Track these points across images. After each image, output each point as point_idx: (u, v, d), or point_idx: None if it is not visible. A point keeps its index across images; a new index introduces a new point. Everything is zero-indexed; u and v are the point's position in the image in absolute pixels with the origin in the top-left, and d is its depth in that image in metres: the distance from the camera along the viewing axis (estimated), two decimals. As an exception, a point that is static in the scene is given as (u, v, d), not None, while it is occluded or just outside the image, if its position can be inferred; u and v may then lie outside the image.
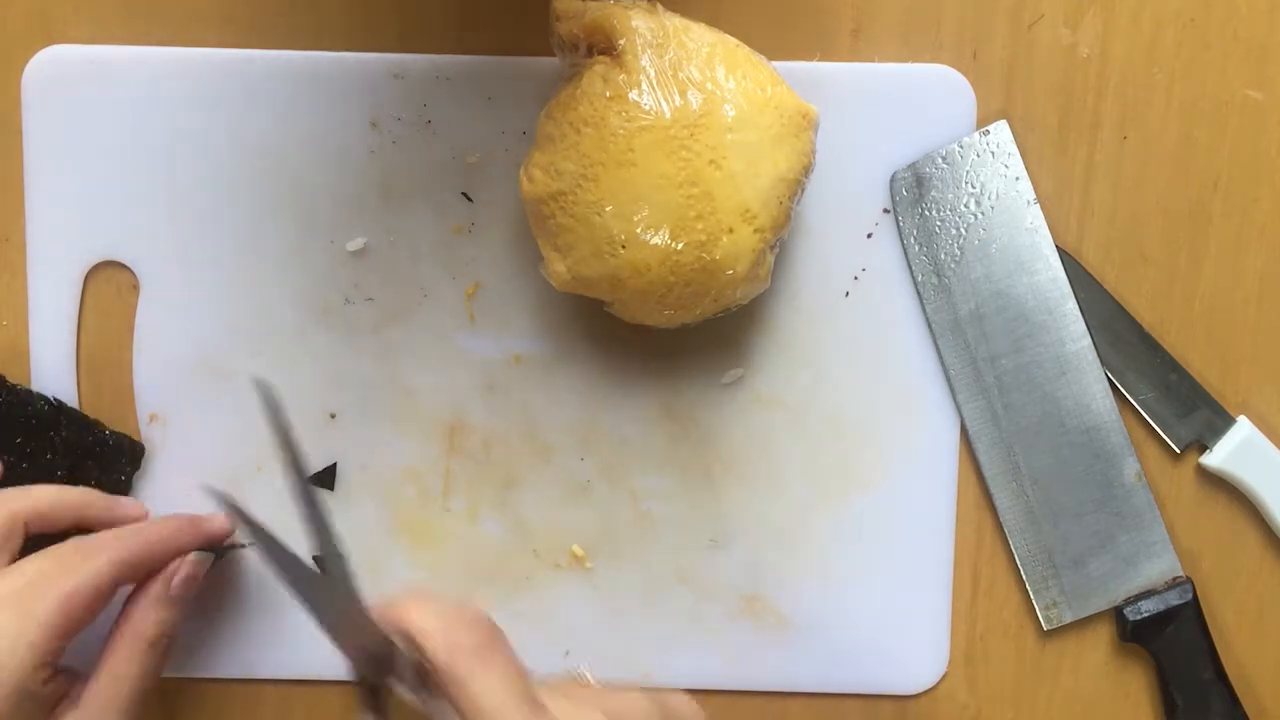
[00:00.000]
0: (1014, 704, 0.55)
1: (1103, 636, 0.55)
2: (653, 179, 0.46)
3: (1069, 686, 0.55)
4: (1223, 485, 0.55)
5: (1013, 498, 0.54)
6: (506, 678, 0.39)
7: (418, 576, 0.54)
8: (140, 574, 0.48)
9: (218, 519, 0.51)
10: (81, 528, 0.49)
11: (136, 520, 0.50)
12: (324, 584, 0.44)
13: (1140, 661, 0.55)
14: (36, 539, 0.48)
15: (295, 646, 0.54)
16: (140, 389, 0.53)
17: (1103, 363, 0.54)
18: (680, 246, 0.46)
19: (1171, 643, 0.54)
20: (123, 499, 0.51)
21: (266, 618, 0.54)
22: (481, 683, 0.39)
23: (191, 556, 0.49)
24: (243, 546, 0.52)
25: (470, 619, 0.41)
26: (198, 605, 0.54)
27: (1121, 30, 0.53)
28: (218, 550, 0.50)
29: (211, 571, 0.50)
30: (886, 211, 0.53)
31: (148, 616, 0.48)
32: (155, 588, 0.48)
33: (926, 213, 0.53)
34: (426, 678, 0.41)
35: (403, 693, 0.41)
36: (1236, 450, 0.54)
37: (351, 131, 0.53)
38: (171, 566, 0.48)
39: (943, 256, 0.53)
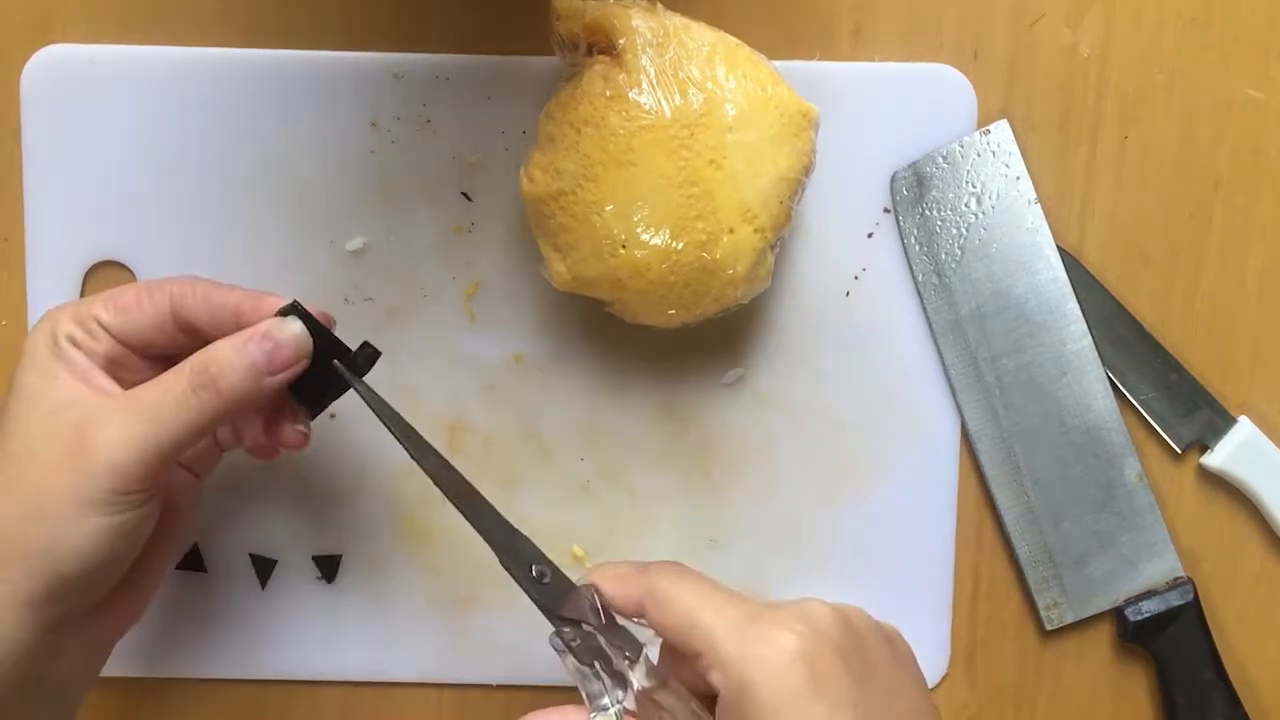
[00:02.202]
0: (1014, 704, 0.55)
1: (1103, 637, 0.55)
2: (653, 179, 0.46)
3: (1069, 686, 0.55)
4: (1223, 485, 0.55)
5: (1013, 498, 0.54)
6: (705, 584, 0.42)
7: (418, 576, 0.54)
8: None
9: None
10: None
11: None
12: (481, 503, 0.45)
13: (1141, 662, 0.55)
14: None
15: (295, 646, 0.54)
16: (140, 389, 0.53)
17: (1103, 363, 0.54)
18: (680, 246, 0.46)
19: (1172, 643, 0.54)
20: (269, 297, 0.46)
21: (266, 618, 0.54)
22: (685, 590, 0.41)
23: (286, 321, 0.44)
24: (374, 354, 0.46)
25: (658, 562, 0.44)
26: (200, 604, 0.54)
27: (1122, 30, 0.53)
28: (349, 359, 0.46)
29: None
30: (887, 211, 0.53)
31: (211, 349, 0.43)
32: (237, 335, 0.43)
33: (927, 212, 0.53)
34: (605, 614, 0.43)
35: (590, 630, 0.43)
36: (1237, 450, 0.54)
37: (351, 131, 0.53)
38: (261, 323, 0.44)
39: (943, 256, 0.53)
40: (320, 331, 0.45)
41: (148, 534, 0.44)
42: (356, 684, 0.55)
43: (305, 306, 0.45)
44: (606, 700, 0.42)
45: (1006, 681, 0.55)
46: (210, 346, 0.43)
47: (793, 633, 0.39)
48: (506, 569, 0.44)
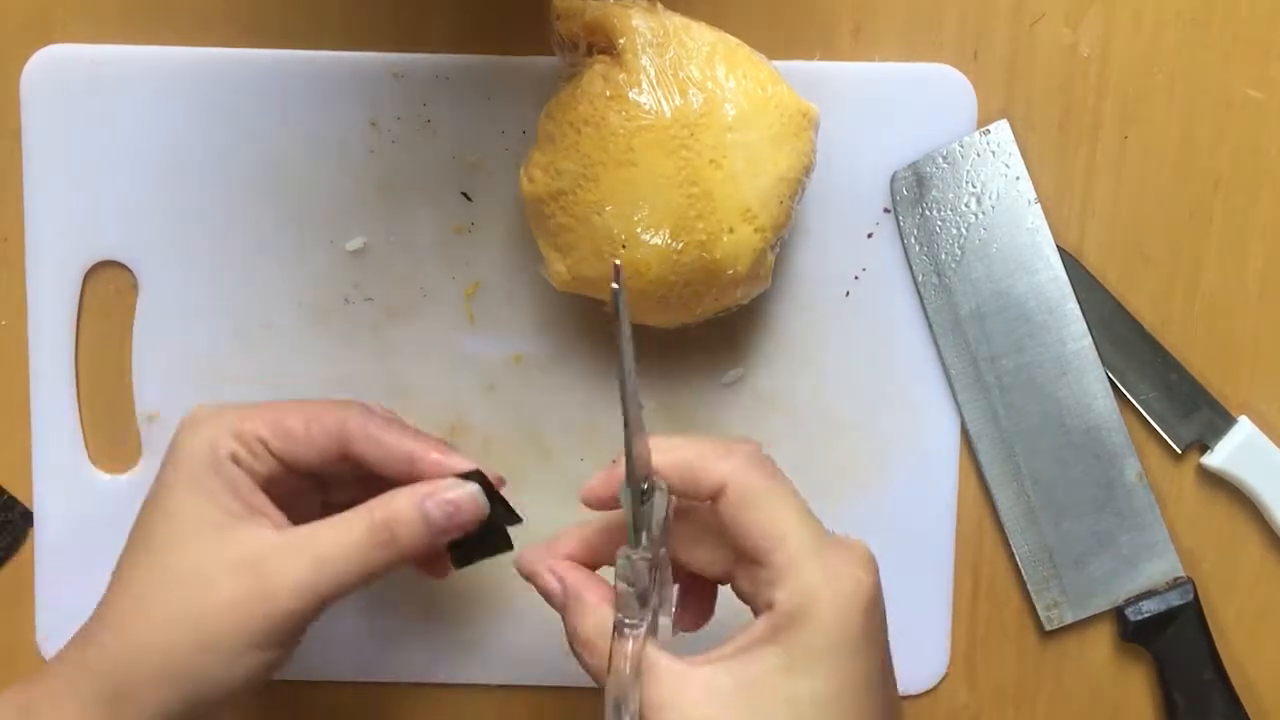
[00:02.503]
0: (1014, 704, 0.55)
1: (1103, 637, 0.55)
2: (653, 178, 0.46)
3: (1069, 686, 0.55)
4: (1224, 485, 0.55)
5: (1013, 498, 0.54)
6: (794, 494, 0.41)
7: (417, 576, 0.54)
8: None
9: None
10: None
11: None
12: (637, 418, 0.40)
13: (1141, 662, 0.55)
14: None
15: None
16: (140, 389, 0.53)
17: (1103, 363, 0.54)
18: (680, 246, 0.46)
19: (1172, 643, 0.54)
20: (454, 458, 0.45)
21: (266, 618, 0.54)
22: (777, 496, 0.40)
23: (468, 486, 0.44)
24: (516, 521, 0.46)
25: (741, 442, 0.41)
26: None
27: (1122, 30, 0.53)
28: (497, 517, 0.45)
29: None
30: (887, 211, 0.53)
31: (392, 503, 0.43)
32: (418, 490, 0.43)
33: (927, 212, 0.53)
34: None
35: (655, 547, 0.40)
36: (1237, 450, 0.54)
37: (351, 131, 0.53)
38: (442, 483, 0.43)
39: (943, 256, 0.53)
40: (492, 495, 0.45)
41: None
42: (356, 684, 0.55)
43: (481, 470, 0.45)
44: (629, 629, 0.39)
45: (1006, 681, 0.55)
46: (391, 500, 0.43)
47: (868, 573, 0.39)
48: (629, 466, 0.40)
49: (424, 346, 0.54)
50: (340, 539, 0.42)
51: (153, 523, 0.43)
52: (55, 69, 0.52)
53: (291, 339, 0.53)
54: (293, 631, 0.42)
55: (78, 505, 0.54)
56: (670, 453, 0.40)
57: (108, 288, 0.53)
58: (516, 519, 0.46)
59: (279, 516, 0.44)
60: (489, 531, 0.45)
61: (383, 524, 0.42)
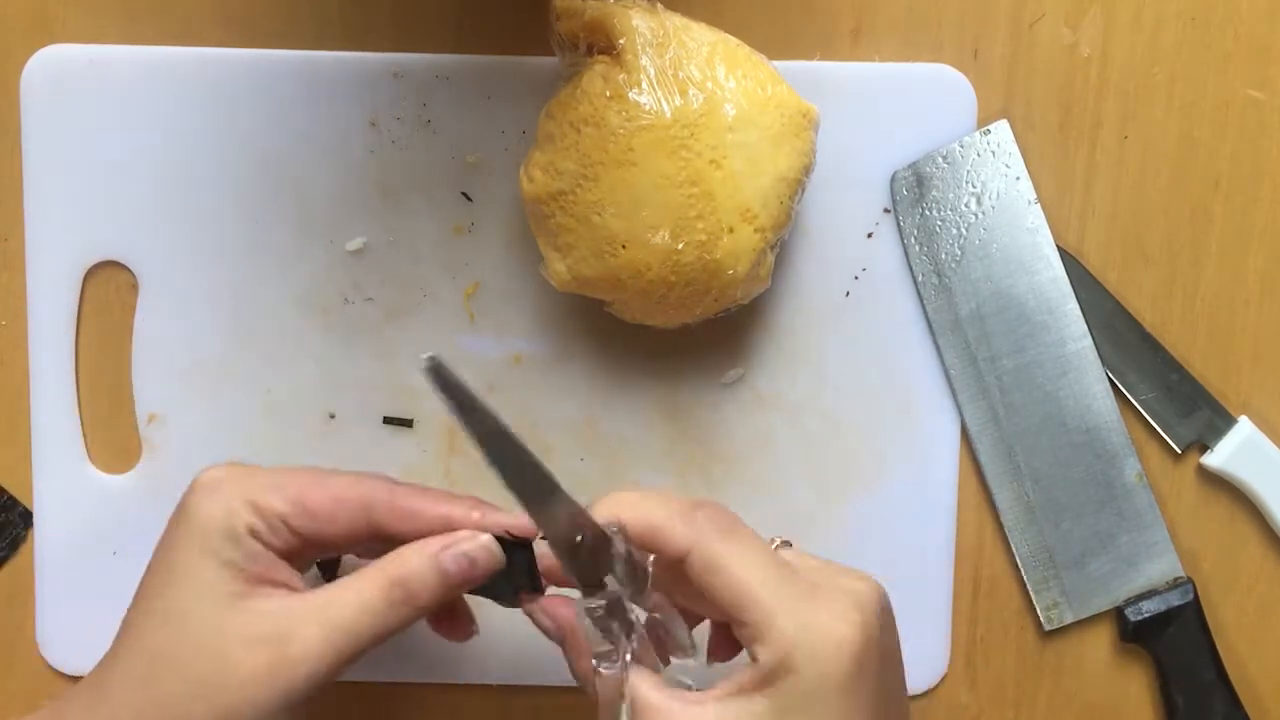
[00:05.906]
0: (1014, 704, 0.55)
1: (1103, 637, 0.55)
2: (653, 178, 0.46)
3: (1069, 687, 0.55)
4: (1224, 485, 0.55)
5: (1013, 498, 0.54)
6: (760, 549, 0.40)
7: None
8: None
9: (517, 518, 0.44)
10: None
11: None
12: (541, 479, 0.42)
13: (1141, 662, 0.55)
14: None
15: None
16: (139, 389, 0.53)
17: (1104, 363, 0.54)
18: (681, 246, 0.46)
19: (1172, 643, 0.54)
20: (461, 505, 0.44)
21: (266, 618, 0.54)
22: (738, 558, 0.39)
23: (481, 537, 0.43)
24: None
25: (704, 504, 0.41)
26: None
27: (1122, 30, 0.53)
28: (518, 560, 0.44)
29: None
30: (887, 211, 0.53)
31: (406, 560, 0.42)
32: (431, 544, 0.42)
33: (927, 212, 0.53)
34: (639, 574, 0.41)
35: (616, 591, 0.41)
36: (1238, 451, 0.54)
37: (351, 131, 0.53)
38: (456, 535, 0.43)
39: (943, 256, 0.53)
40: (519, 543, 0.44)
41: None
42: (355, 684, 0.55)
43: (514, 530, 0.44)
44: (604, 667, 0.41)
45: (1006, 681, 0.55)
46: (404, 557, 0.42)
47: (849, 624, 0.38)
48: (542, 527, 0.42)
49: (424, 347, 0.53)
50: (353, 602, 0.42)
51: (164, 583, 0.42)
52: (55, 69, 0.52)
53: (291, 339, 0.53)
54: (311, 694, 0.41)
55: (78, 505, 0.54)
56: (634, 511, 0.41)
57: (108, 288, 0.53)
58: (531, 553, 0.44)
59: (296, 580, 0.43)
60: (515, 575, 0.44)
61: (398, 581, 0.42)
